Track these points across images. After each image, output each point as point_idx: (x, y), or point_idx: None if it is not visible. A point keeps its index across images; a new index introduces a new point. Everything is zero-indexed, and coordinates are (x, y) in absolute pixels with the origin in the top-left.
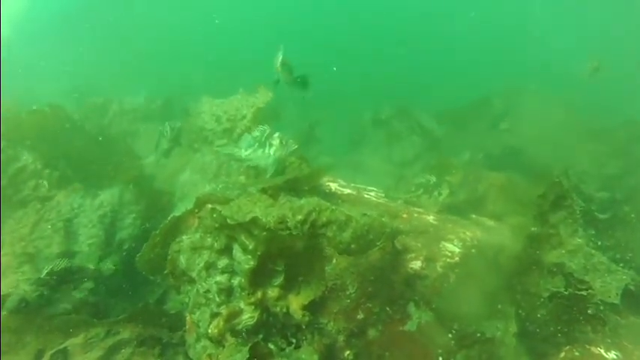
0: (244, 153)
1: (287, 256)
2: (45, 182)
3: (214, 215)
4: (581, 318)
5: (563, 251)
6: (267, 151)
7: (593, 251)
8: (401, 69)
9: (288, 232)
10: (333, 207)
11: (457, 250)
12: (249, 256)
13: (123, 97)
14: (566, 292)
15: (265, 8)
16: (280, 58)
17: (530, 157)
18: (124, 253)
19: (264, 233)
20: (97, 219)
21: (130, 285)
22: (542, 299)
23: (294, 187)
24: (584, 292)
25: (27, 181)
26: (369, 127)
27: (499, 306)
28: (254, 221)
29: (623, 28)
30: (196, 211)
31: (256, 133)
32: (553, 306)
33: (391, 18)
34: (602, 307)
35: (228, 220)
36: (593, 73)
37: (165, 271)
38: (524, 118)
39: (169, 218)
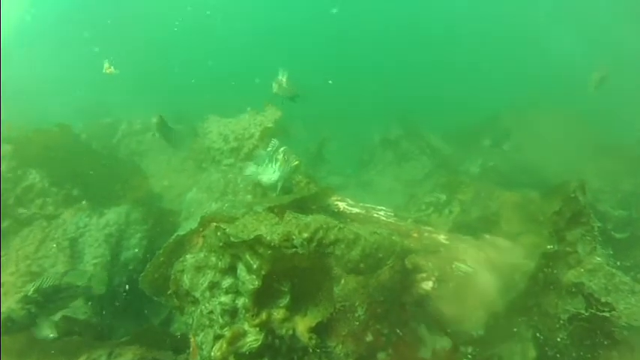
0: (260, 170)
1: (293, 276)
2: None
3: (218, 233)
4: (605, 342)
5: (582, 270)
6: (273, 166)
7: (614, 270)
8: (409, 87)
9: (294, 250)
10: (341, 225)
11: (470, 270)
12: (254, 276)
13: (131, 116)
14: (587, 314)
15: (274, 27)
16: (284, 78)
17: (541, 174)
18: (130, 273)
19: (270, 252)
20: (103, 238)
21: (135, 306)
22: (561, 321)
23: (301, 207)
24: (606, 314)
25: (34, 199)
26: (378, 146)
27: (515, 329)
28: (259, 239)
29: (636, 35)
30: (201, 229)
31: (269, 148)
32: (574, 329)
33: (399, 36)
34: (625, 332)
35: (232, 238)
36: (600, 84)
37: (169, 292)
38: (534, 134)
39: (173, 237)
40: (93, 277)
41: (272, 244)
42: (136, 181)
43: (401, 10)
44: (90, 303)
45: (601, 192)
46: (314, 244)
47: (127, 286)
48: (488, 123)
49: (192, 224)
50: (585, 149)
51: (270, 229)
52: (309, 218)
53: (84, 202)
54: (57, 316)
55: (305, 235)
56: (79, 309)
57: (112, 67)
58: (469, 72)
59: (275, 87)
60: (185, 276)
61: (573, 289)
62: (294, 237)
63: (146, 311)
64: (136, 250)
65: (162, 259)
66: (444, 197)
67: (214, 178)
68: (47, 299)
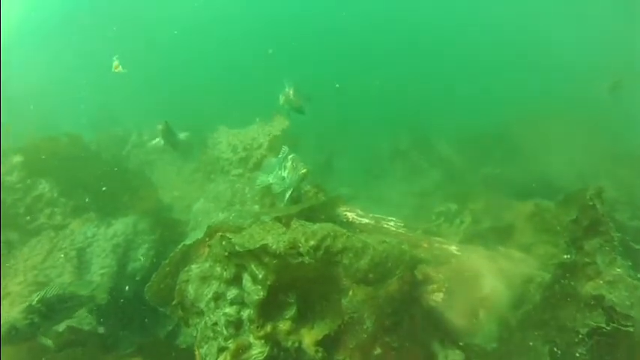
0: (271, 178)
1: (300, 287)
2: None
3: (223, 243)
4: (628, 359)
5: (602, 282)
6: (282, 173)
7: (636, 282)
8: (417, 94)
9: (300, 258)
10: (349, 233)
11: (484, 282)
12: (259, 286)
13: (141, 125)
14: (608, 328)
15: (284, 38)
16: (291, 90)
17: (553, 183)
18: (137, 284)
19: (275, 261)
20: (111, 248)
21: (141, 317)
22: (580, 335)
23: (309, 217)
24: (630, 329)
25: (43, 209)
26: (388, 157)
27: (531, 343)
28: (264, 248)
29: None
30: (207, 239)
31: (279, 155)
32: (594, 344)
33: (407, 43)
34: None
35: (237, 248)
36: (614, 90)
37: (174, 302)
38: (546, 142)
39: (179, 247)
40: (97, 287)
41: (277, 252)
42: (144, 191)
43: (408, 18)
44: (95, 314)
45: (616, 202)
46: (321, 252)
47: (134, 297)
48: (498, 130)
49: (199, 234)
50: (598, 157)
51: (276, 239)
52: (316, 226)
53: (92, 213)
54: (61, 327)
55: (312, 242)
56: (84, 319)
57: (120, 67)
58: (479, 79)
59: (282, 99)
60: (190, 286)
61: (592, 302)
62: (300, 245)
63: (152, 323)
64: (143, 261)
65: (167, 269)
66: (454, 207)
67: (222, 188)
68: (51, 309)
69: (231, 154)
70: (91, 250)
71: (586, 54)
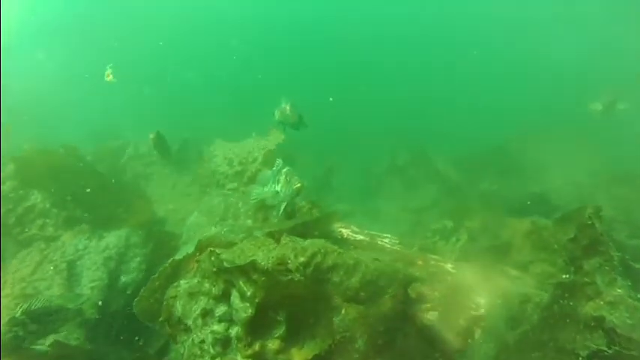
0: (265, 190)
1: (290, 305)
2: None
3: (212, 258)
4: None
5: (602, 303)
6: (276, 187)
7: (637, 304)
8: (416, 110)
9: (289, 275)
10: (341, 250)
11: (480, 300)
12: (247, 304)
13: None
14: (610, 351)
15: (283, 56)
16: (288, 106)
17: (551, 202)
18: (127, 298)
19: (264, 278)
20: (102, 261)
21: (130, 333)
22: (580, 358)
23: (303, 233)
24: (634, 352)
25: (35, 219)
26: (386, 173)
27: None
28: (253, 265)
29: None
30: (197, 254)
31: (274, 168)
32: None
33: (407, 60)
34: None
35: (225, 264)
36: (609, 110)
37: (160, 319)
38: (543, 160)
39: (169, 261)
40: (86, 301)
41: (266, 268)
42: (138, 204)
43: (408, 32)
44: (84, 328)
45: (614, 220)
46: (311, 268)
47: (124, 312)
48: (495, 143)
49: (190, 248)
50: (595, 173)
51: (266, 255)
52: (307, 242)
53: (84, 225)
54: (48, 340)
55: (301, 259)
56: (71, 334)
57: (112, 76)
58: (478, 92)
59: (277, 114)
60: (178, 302)
61: (592, 323)
62: (289, 261)
63: (142, 338)
64: (135, 275)
65: (157, 283)
66: (450, 224)
67: (215, 202)
68: (36, 321)
69: (227, 168)
70: (81, 263)
71: (585, 68)
